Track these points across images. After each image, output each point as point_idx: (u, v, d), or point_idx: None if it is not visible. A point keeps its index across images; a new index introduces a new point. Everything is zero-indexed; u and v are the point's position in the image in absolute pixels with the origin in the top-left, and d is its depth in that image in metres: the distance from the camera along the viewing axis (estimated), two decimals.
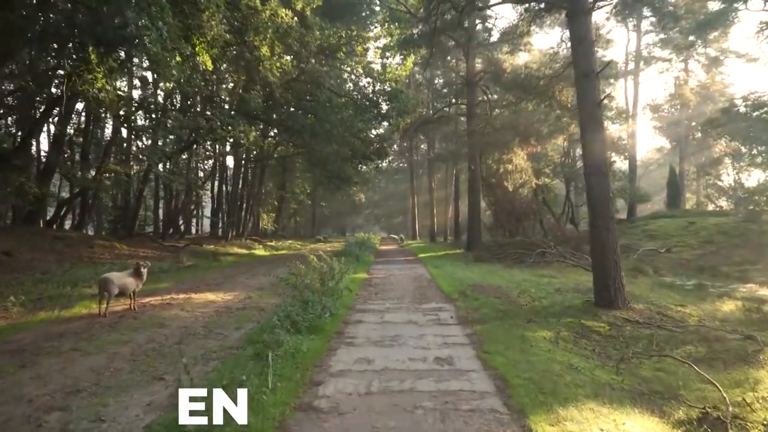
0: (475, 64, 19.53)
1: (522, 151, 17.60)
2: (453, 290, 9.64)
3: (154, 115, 13.96)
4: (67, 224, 26.28)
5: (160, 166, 15.37)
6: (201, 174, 31.16)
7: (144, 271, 7.94)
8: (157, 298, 9.09)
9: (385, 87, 20.61)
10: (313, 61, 16.55)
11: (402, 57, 21.50)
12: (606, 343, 6.46)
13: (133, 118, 12.64)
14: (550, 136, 19.15)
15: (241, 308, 8.50)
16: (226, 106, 15.34)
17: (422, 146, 50.01)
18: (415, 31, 16.94)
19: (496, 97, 20.90)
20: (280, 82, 14.80)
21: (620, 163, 29.27)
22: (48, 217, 18.56)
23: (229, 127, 11.21)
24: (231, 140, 11.65)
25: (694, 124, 38.46)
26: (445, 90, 40.04)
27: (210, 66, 9.97)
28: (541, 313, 7.55)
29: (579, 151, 27.35)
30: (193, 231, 33.40)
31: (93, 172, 17.53)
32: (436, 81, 41.16)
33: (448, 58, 26.54)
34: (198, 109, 15.11)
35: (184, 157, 32.86)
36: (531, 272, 13.28)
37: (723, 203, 41.54)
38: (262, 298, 9.44)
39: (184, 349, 5.43)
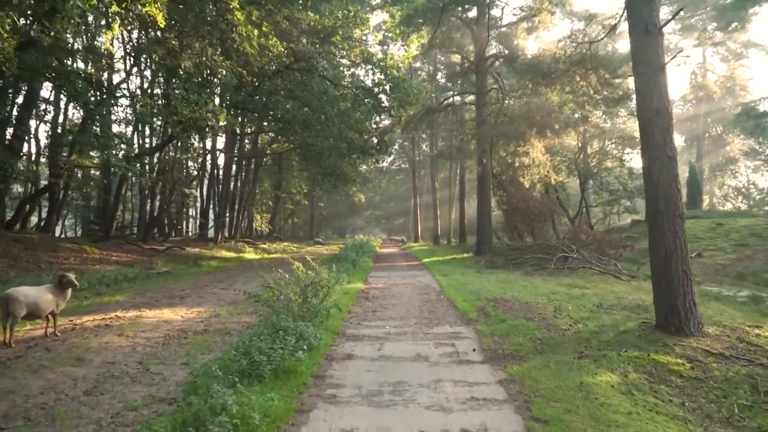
0: (485, 48, 17.67)
1: (540, 142, 15.73)
2: (469, 306, 7.75)
3: (127, 102, 12.14)
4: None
5: (127, 160, 13.49)
6: (195, 172, 29.40)
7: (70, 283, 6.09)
8: (96, 317, 7.23)
9: (386, 74, 18.78)
10: (305, 41, 14.74)
11: (404, 42, 19.70)
12: (695, 391, 4.59)
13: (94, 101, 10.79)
14: (565, 128, 17.24)
15: (200, 331, 6.64)
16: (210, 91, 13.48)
17: (424, 146, 48.23)
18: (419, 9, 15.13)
19: (508, 82, 19.01)
20: (259, 54, 12.89)
21: (636, 160, 27.43)
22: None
23: (195, 106, 9.36)
24: (200, 122, 9.84)
25: (709, 120, 36.68)
26: (449, 84, 38.31)
27: (162, 22, 8.11)
28: (591, 343, 5.67)
29: (589, 150, 25.55)
30: (184, 232, 31.57)
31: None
32: (439, 75, 39.41)
33: (453, 48, 24.71)
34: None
35: (173, 154, 31.14)
36: (555, 281, 11.41)
37: (741, 204, 39.83)
38: (233, 316, 7.59)
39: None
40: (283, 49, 15.27)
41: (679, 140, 43.69)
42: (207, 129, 9.76)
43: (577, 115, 19.03)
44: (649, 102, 6.30)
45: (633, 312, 7.42)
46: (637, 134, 25.53)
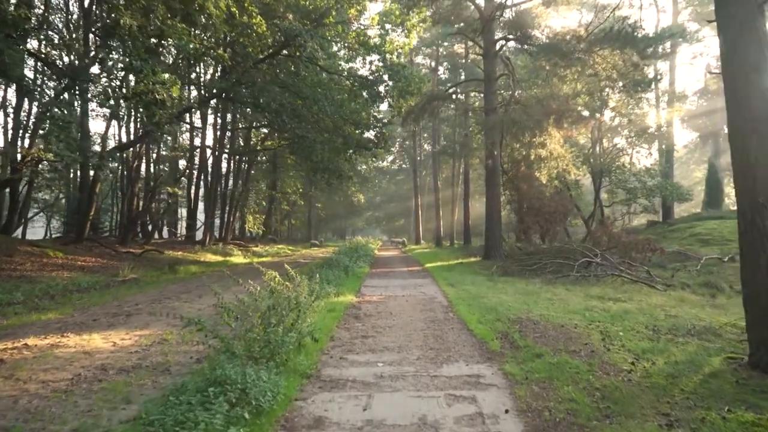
0: (494, 29, 15.95)
1: (558, 132, 13.97)
2: (488, 331, 5.99)
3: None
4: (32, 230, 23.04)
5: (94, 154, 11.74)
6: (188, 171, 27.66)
7: None
8: None
9: (385, 61, 17.16)
10: (291, 17, 13.04)
11: (403, 27, 18.01)
12: None
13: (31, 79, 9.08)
14: (584, 118, 15.48)
15: (128, 368, 4.92)
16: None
17: (426, 145, 46.54)
18: None
19: (522, 64, 17.29)
20: (226, 21, 11.21)
21: (653, 156, 25.71)
22: None
23: (140, 75, 7.65)
24: (147, 96, 8.10)
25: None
26: (452, 77, 36.64)
27: None
28: (674, 395, 3.92)
29: (605, 144, 23.82)
30: (171, 235, 29.85)
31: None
32: (441, 70, 37.74)
33: (458, 29, 22.98)
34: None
35: (166, 152, 29.43)
36: (583, 292, 9.67)
37: None
38: (182, 343, 5.87)
39: None
40: (267, 30, 13.60)
41: (692, 136, 41.95)
42: (156, 105, 8.05)
43: (586, 112, 17.29)
44: (742, 55, 4.56)
45: (703, 339, 5.68)
46: (653, 127, 23.47)
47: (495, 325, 6.25)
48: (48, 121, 8.18)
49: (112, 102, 8.57)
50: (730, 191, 39.06)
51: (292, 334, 4.39)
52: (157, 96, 7.67)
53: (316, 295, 5.97)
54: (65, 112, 8.14)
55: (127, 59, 7.19)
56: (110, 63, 7.19)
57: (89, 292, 10.08)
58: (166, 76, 7.68)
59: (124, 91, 7.97)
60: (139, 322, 7.05)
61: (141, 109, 8.24)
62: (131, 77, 7.71)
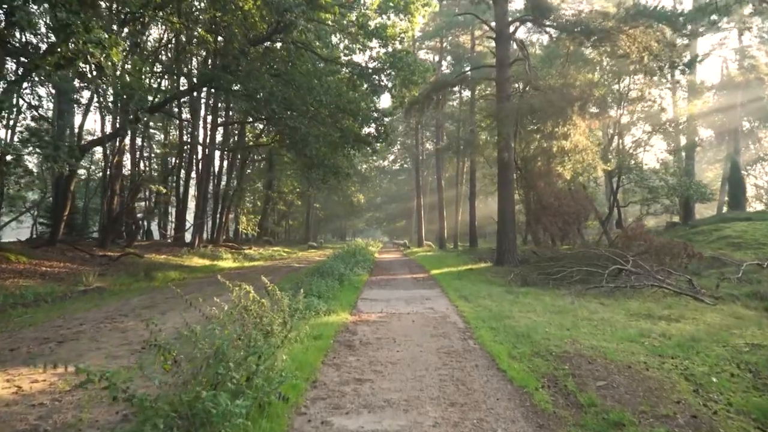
0: (507, 10, 14.34)
1: (582, 121, 12.35)
2: (527, 373, 4.41)
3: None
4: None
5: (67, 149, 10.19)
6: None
7: None
8: None
9: (386, 46, 15.67)
10: None
11: (406, 9, 16.50)
12: None
13: None
14: (605, 108, 13.91)
15: None
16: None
17: (428, 144, 45.01)
18: None
19: (540, 41, 15.72)
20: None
21: (674, 153, 24.15)
22: None
23: (67, 31, 6.00)
24: (76, 60, 6.58)
25: (742, 114, 33.38)
26: (456, 69, 35.11)
27: None
28: None
29: (626, 140, 22.26)
30: (159, 236, 28.29)
31: None
32: (444, 65, 36.21)
33: (463, 28, 21.38)
34: None
35: (159, 149, 27.92)
36: (622, 307, 8.11)
37: None
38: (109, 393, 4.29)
39: None
40: (254, 7, 12.11)
41: (706, 134, 40.34)
42: (93, 73, 6.51)
43: (597, 108, 15.74)
44: None
45: None
46: (675, 121, 21.71)
47: (534, 362, 4.67)
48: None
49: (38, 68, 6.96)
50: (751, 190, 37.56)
51: (240, 402, 2.81)
52: (91, 60, 6.07)
53: (297, 317, 4.46)
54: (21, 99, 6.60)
55: (47, 8, 5.60)
56: (22, 14, 5.59)
57: (37, 306, 8.54)
58: (105, 35, 6.10)
59: (51, 56, 6.36)
60: (71, 352, 5.49)
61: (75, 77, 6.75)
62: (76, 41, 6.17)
